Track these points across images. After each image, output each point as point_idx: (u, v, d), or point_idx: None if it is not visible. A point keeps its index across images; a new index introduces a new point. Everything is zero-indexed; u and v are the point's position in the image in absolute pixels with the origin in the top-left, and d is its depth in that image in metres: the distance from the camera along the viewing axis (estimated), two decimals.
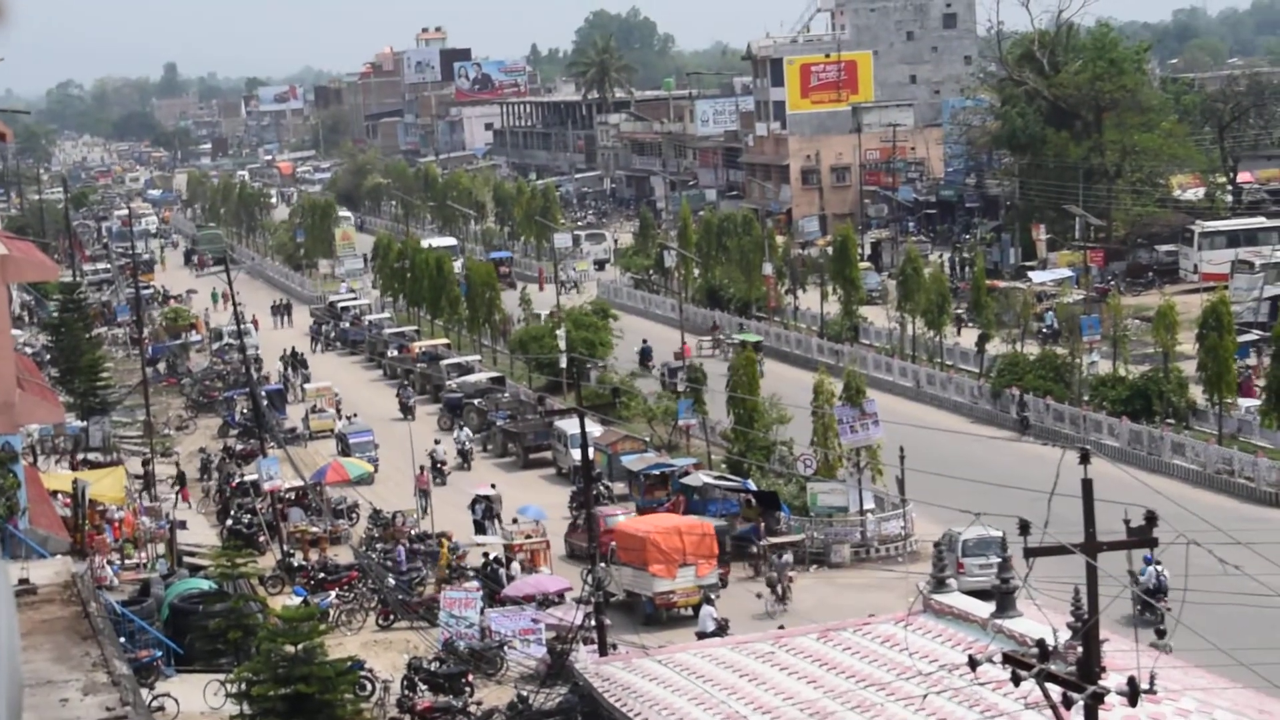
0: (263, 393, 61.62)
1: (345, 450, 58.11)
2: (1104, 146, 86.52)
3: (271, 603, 38.76)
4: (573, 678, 31.21)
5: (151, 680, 33.94)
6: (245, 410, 62.94)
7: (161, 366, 79.39)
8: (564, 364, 65.73)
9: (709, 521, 43.01)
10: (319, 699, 28.33)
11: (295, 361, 77.12)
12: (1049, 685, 15.51)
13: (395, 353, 78.41)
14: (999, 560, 24.70)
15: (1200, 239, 78.00)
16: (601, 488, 50.00)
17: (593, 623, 32.41)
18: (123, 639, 31.83)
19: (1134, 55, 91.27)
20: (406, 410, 66.47)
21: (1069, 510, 16.77)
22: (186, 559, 45.52)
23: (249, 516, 49.06)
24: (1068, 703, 15.94)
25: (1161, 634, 33.10)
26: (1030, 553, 16.67)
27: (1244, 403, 53.46)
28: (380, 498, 51.29)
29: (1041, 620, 19.05)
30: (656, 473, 49.40)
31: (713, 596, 39.65)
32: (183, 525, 48.89)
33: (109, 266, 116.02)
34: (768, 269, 79.49)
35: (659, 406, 58.73)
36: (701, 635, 35.26)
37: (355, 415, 63.97)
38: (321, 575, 43.37)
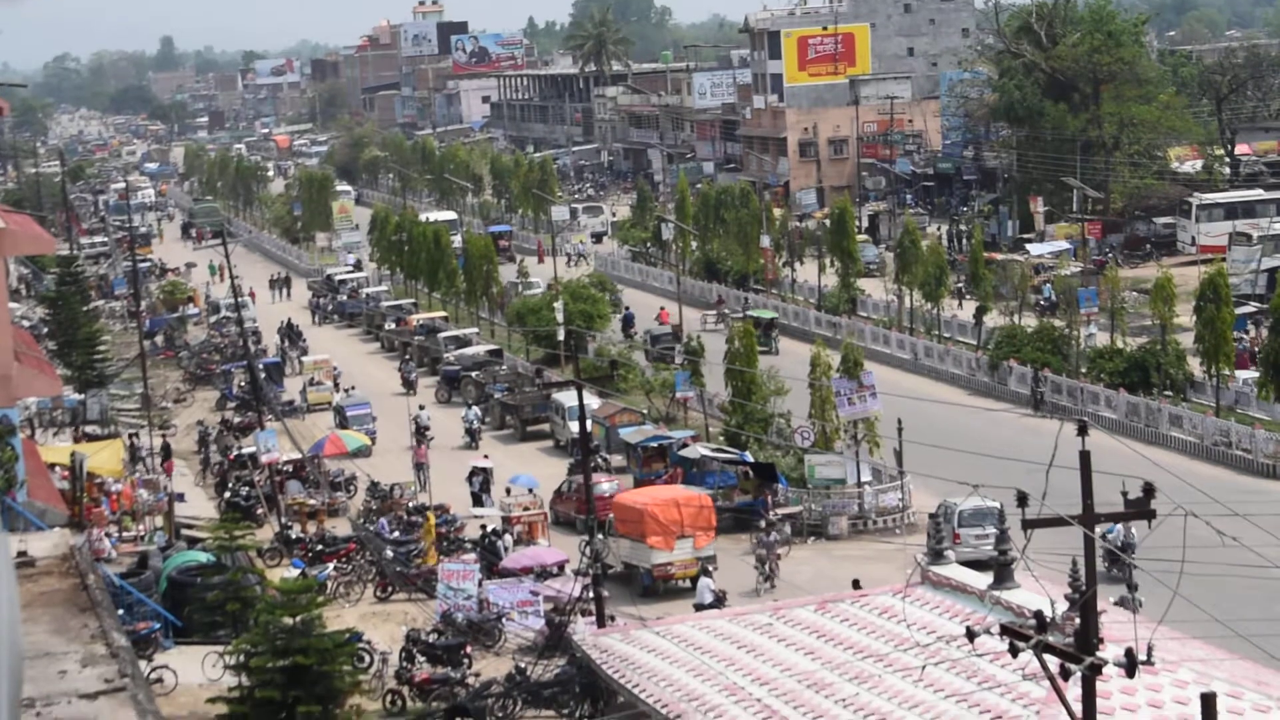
0: (260, 366, 61.66)
1: (343, 423, 58.06)
2: (1102, 119, 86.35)
3: (269, 575, 38.80)
4: (571, 649, 31.32)
5: (150, 652, 33.98)
6: (243, 383, 62.94)
7: (159, 339, 79.24)
8: (562, 336, 65.71)
9: (706, 493, 43.08)
10: (317, 670, 28.41)
11: (292, 334, 77.06)
12: (1047, 656, 15.52)
13: (393, 325, 78.39)
14: (995, 531, 24.73)
15: (1198, 211, 77.95)
16: (599, 459, 50.04)
17: (591, 594, 32.47)
18: (121, 611, 31.91)
19: (1132, 27, 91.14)
20: (408, 385, 66.40)
21: (1067, 482, 16.77)
22: (184, 531, 45.57)
23: (247, 489, 49.07)
24: (1065, 674, 15.97)
25: (1133, 588, 33.17)
26: (1028, 524, 16.67)
27: (1241, 375, 53.51)
28: (378, 470, 51.33)
29: (1039, 592, 19.07)
30: (654, 445, 49.44)
31: (710, 569, 39.72)
32: (181, 498, 48.89)
33: (106, 240, 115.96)
34: (765, 242, 79.39)
35: (656, 379, 58.75)
36: (699, 607, 35.30)
37: (353, 388, 63.95)
38: (319, 547, 43.37)
